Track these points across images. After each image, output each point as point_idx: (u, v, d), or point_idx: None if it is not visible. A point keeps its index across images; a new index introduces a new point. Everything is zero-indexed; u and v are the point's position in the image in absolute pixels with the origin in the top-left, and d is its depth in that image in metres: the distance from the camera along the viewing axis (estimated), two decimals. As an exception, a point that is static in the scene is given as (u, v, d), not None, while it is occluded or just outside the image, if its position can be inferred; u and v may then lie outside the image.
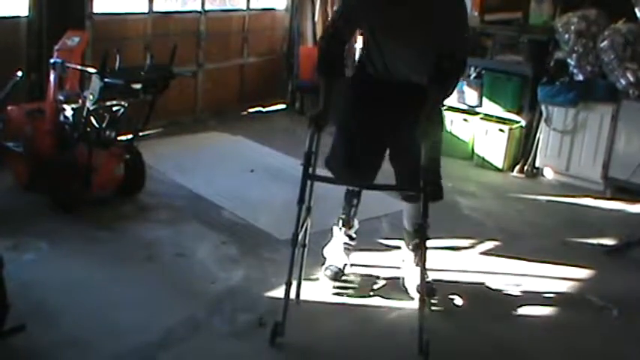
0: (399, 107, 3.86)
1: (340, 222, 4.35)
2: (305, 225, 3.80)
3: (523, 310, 4.19)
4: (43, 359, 3.40)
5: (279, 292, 4.07)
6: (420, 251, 3.76)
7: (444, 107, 4.43)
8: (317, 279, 4.15)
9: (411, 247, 4.24)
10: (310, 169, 3.58)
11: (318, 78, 3.90)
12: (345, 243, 4.34)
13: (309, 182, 3.59)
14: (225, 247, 4.66)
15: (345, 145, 4.03)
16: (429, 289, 3.95)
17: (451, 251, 4.87)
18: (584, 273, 4.71)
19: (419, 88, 3.76)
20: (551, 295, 4.40)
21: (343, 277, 4.28)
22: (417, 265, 4.03)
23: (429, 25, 3.59)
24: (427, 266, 3.66)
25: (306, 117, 3.59)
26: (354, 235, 4.38)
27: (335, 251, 4.35)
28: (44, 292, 3.99)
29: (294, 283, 3.69)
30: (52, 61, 5.16)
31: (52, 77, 5.16)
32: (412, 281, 4.11)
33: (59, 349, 3.48)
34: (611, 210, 6.02)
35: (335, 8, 8.23)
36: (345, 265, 4.33)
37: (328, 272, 4.25)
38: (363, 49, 4.04)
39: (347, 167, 4.01)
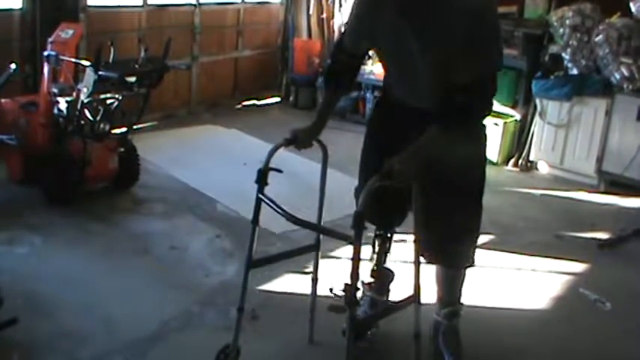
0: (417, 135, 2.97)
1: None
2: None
3: (517, 304, 4.20)
4: (37, 352, 3.39)
5: (273, 286, 4.10)
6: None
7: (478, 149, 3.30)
8: (310, 272, 4.14)
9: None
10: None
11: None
12: (371, 299, 3.60)
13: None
14: (219, 240, 4.65)
15: (361, 177, 3.39)
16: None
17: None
18: (577, 266, 4.73)
19: None
20: (545, 288, 4.41)
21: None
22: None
23: (442, 49, 2.81)
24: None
25: (290, 131, 3.23)
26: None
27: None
28: (38, 285, 3.99)
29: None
30: (45, 53, 5.14)
31: (45, 70, 5.14)
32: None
33: (53, 341, 3.47)
34: (604, 204, 6.04)
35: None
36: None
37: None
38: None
39: (357, 197, 3.39)
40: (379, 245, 3.47)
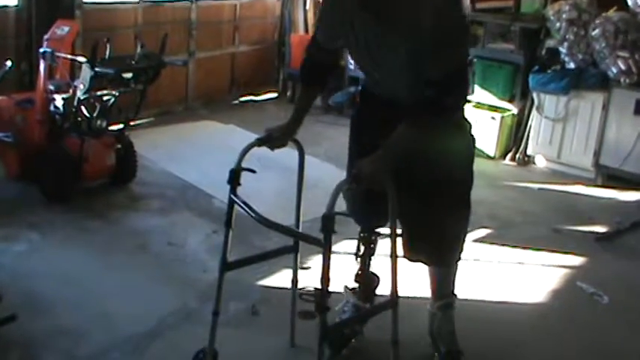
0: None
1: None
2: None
3: (515, 297, 4.21)
4: (36, 349, 3.39)
5: (271, 281, 4.10)
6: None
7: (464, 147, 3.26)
8: (309, 267, 4.13)
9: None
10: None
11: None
12: (354, 305, 3.50)
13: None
14: (216, 236, 4.65)
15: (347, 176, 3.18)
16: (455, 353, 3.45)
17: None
18: (575, 260, 4.73)
19: None
20: (542, 282, 4.42)
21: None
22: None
23: (407, 44, 2.74)
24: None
25: (265, 130, 3.16)
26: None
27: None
28: (35, 282, 3.99)
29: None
30: (41, 50, 5.12)
31: (41, 67, 5.13)
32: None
33: (51, 338, 3.48)
34: (602, 197, 6.05)
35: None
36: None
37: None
38: None
39: (347, 203, 3.35)
40: (364, 248, 3.38)
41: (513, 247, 4.86)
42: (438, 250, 3.23)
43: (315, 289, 2.69)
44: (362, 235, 3.37)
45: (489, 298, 4.18)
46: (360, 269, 3.42)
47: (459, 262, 3.40)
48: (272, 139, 3.13)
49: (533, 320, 3.99)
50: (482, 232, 5.10)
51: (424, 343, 3.48)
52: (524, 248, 4.84)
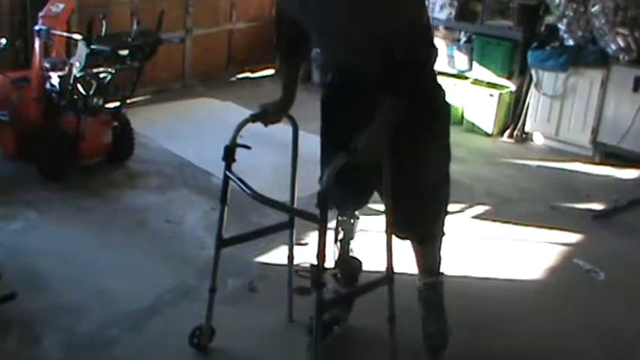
0: (368, 110, 2.78)
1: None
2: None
3: (512, 274, 4.22)
4: (35, 326, 3.40)
5: (269, 258, 4.11)
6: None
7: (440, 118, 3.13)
8: (306, 243, 4.14)
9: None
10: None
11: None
12: (335, 291, 3.40)
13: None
14: (214, 213, 4.61)
15: (320, 159, 3.20)
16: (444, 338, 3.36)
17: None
18: (572, 237, 4.74)
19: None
20: (539, 258, 4.43)
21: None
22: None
23: (363, 20, 2.67)
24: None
25: (259, 106, 3.13)
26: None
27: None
28: (34, 260, 3.99)
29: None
30: (36, 28, 5.09)
31: (37, 45, 5.10)
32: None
33: (51, 315, 3.49)
34: (599, 175, 6.05)
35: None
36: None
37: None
38: None
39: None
40: (343, 232, 3.34)
41: (510, 223, 4.87)
42: (419, 226, 3.16)
43: (311, 265, 2.69)
44: (340, 218, 3.34)
45: (485, 274, 4.19)
46: (339, 254, 3.38)
47: (443, 239, 3.31)
48: (266, 115, 3.11)
49: (529, 297, 4.00)
50: (479, 209, 5.11)
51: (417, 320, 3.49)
52: (522, 225, 4.84)
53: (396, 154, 2.81)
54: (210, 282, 3.19)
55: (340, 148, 2.73)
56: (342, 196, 3.08)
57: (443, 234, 3.28)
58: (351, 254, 3.42)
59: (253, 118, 3.09)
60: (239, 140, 3.01)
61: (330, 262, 3.17)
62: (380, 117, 2.72)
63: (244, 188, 2.89)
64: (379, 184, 2.95)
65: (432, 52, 2.85)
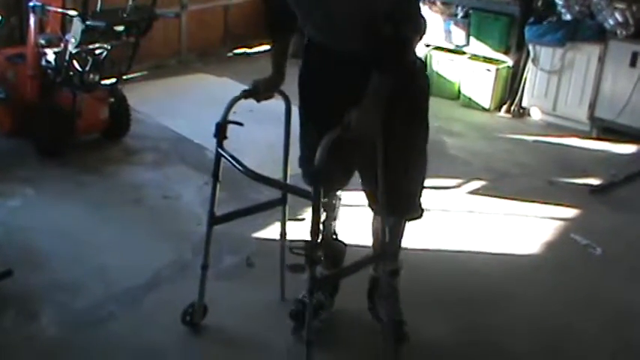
0: (351, 87, 2.75)
1: None
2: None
3: (509, 249, 4.23)
4: (33, 303, 3.41)
5: (266, 233, 4.11)
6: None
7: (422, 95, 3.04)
8: (303, 219, 4.14)
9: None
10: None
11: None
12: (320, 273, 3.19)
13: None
14: (209, 188, 4.65)
15: (300, 138, 3.18)
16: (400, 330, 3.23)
17: (437, 191, 4.88)
18: (569, 212, 4.75)
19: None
20: (536, 233, 4.44)
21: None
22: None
23: None
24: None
25: (251, 82, 3.10)
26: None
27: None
28: (31, 237, 4.00)
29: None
30: (31, 4, 5.04)
31: (32, 21, 5.06)
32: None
33: (48, 292, 3.50)
34: (596, 150, 6.05)
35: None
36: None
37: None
38: None
39: (301, 166, 3.21)
40: (325, 213, 3.22)
41: (507, 198, 4.87)
42: (408, 201, 3.12)
43: (305, 241, 2.68)
44: (322, 200, 3.27)
45: (482, 249, 4.20)
46: (322, 238, 3.19)
47: (414, 219, 3.25)
48: (257, 92, 3.10)
49: (526, 272, 4.02)
50: (476, 184, 5.12)
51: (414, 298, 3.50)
52: (519, 200, 4.85)
53: (387, 131, 2.78)
54: (202, 259, 3.20)
55: (322, 126, 2.71)
56: (326, 174, 2.96)
57: (420, 215, 3.23)
58: (335, 237, 3.39)
59: (245, 95, 3.07)
60: (231, 116, 3.00)
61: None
62: (370, 93, 2.67)
63: (236, 165, 2.89)
64: (362, 165, 2.96)
65: (420, 27, 2.78)
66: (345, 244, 3.40)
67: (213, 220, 3.16)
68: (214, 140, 3.03)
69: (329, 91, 2.91)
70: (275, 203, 3.39)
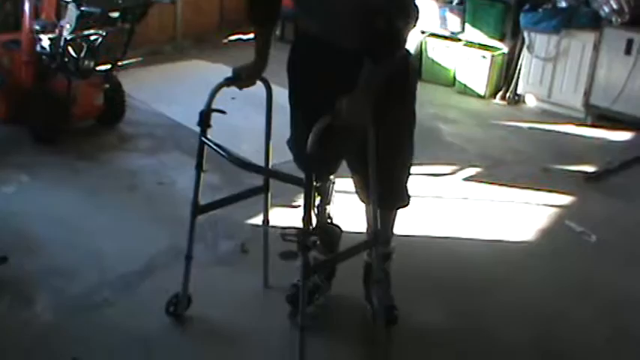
0: (340, 77, 2.75)
1: None
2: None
3: (503, 236, 4.24)
4: (28, 289, 3.41)
5: (261, 219, 4.10)
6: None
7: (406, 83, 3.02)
8: (299, 206, 4.14)
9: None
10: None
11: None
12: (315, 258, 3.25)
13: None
14: (206, 175, 4.63)
15: (290, 121, 3.20)
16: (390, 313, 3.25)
17: (432, 177, 4.90)
18: (564, 199, 4.76)
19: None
20: (531, 220, 4.45)
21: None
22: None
23: None
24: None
25: (232, 70, 3.11)
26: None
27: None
28: (26, 223, 3.99)
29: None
30: (26, -11, 5.05)
31: (26, 7, 5.04)
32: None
33: (43, 278, 3.50)
34: (591, 137, 6.06)
35: None
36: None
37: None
38: None
39: (290, 149, 3.25)
40: (320, 198, 3.23)
41: (502, 185, 4.88)
42: (389, 191, 3.08)
43: (297, 228, 2.67)
44: (315, 184, 3.27)
45: (477, 236, 4.21)
46: (317, 222, 3.22)
47: (402, 207, 3.27)
48: (240, 79, 3.10)
49: (521, 259, 4.02)
50: (471, 171, 5.13)
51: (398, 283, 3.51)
52: (514, 187, 4.86)
53: (378, 119, 2.76)
54: (186, 249, 3.20)
55: (311, 112, 2.72)
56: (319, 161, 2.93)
57: (407, 203, 3.24)
58: (330, 221, 3.38)
59: (227, 82, 3.07)
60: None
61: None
62: (361, 83, 2.65)
63: (221, 152, 2.88)
64: (352, 153, 2.97)
65: (412, 18, 2.74)
66: (341, 228, 3.39)
67: (197, 209, 3.18)
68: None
69: (319, 79, 2.88)
70: (258, 190, 3.37)
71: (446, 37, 7.03)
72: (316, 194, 3.16)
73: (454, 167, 5.15)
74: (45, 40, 4.99)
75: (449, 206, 4.58)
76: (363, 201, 3.19)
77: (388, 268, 3.32)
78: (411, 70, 3.05)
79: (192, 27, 7.93)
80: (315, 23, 2.87)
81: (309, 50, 2.95)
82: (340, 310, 3.46)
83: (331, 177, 3.31)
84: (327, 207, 3.35)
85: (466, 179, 5.00)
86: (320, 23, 2.84)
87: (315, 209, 3.20)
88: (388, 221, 3.25)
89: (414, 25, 2.76)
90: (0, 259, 3.43)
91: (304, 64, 3.00)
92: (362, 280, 3.40)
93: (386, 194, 2.99)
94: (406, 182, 3.19)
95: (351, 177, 3.17)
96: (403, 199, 3.21)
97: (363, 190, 3.08)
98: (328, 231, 3.33)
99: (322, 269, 3.37)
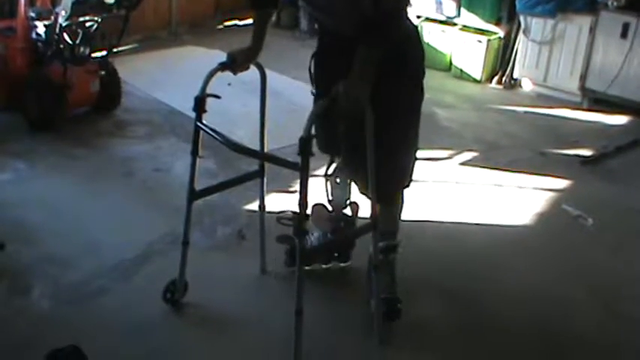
0: (345, 65, 2.73)
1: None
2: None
3: (499, 220, 4.25)
4: (24, 277, 3.41)
5: (256, 205, 4.11)
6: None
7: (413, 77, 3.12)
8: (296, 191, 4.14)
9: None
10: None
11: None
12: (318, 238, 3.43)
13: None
14: (202, 161, 4.62)
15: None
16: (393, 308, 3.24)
17: (429, 162, 4.90)
18: (560, 183, 4.77)
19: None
20: (528, 204, 4.46)
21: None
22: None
23: None
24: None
25: (227, 54, 3.12)
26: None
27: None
28: (23, 211, 3.99)
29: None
30: (21, -24, 5.03)
31: (22, -7, 5.04)
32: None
33: (40, 266, 3.50)
34: (587, 121, 6.07)
35: None
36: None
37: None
38: None
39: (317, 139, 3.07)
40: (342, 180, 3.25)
41: (499, 170, 4.89)
42: (390, 180, 3.07)
43: (293, 212, 2.67)
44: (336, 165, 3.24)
45: (473, 220, 4.22)
46: (347, 197, 3.32)
47: (403, 199, 3.29)
48: (234, 63, 3.10)
49: (517, 243, 4.03)
50: (467, 155, 5.13)
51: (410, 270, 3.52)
52: (510, 171, 4.87)
53: (377, 106, 2.75)
54: (182, 235, 3.19)
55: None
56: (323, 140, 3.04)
57: (407, 185, 3.23)
58: (348, 199, 3.37)
59: (222, 67, 3.07)
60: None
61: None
62: (356, 66, 2.65)
63: (217, 137, 2.88)
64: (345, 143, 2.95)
65: (403, 3, 2.79)
66: (357, 205, 3.39)
67: (193, 195, 3.18)
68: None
69: (335, 68, 2.84)
70: (253, 175, 3.37)
71: (442, 22, 7.01)
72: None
73: (450, 152, 5.15)
74: (40, 27, 4.99)
75: (445, 190, 4.58)
76: (363, 193, 3.16)
77: (393, 261, 3.31)
78: (410, 48, 3.03)
79: (187, 13, 7.91)
80: (318, 12, 2.93)
81: (325, 41, 3.05)
82: (342, 299, 3.46)
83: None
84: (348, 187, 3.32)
85: (462, 164, 5.00)
86: (322, 12, 2.90)
87: (347, 185, 3.27)
88: (393, 213, 3.26)
89: (408, 4, 2.81)
90: (-3, 246, 3.44)
91: (322, 55, 3.07)
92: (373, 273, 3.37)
93: (389, 182, 3.00)
94: (411, 166, 3.16)
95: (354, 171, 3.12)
96: (403, 183, 3.19)
97: (365, 187, 3.03)
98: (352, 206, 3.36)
99: (319, 254, 3.37)
